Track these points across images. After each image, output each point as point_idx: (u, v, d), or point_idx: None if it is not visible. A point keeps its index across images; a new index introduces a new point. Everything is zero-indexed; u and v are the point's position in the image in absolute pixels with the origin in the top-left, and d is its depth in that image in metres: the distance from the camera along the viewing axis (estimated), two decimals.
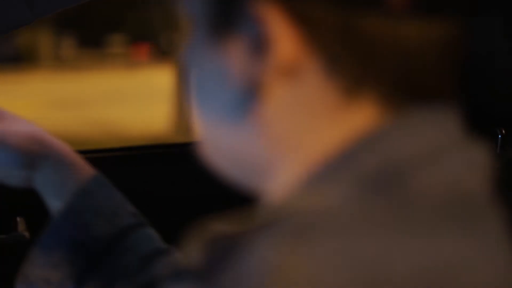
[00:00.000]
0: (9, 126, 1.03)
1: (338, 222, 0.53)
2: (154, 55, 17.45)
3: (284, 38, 0.57)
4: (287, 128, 0.59)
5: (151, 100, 12.66)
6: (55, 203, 1.02)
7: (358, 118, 0.58)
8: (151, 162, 2.05)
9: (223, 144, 0.63)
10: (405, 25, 0.57)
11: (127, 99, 12.87)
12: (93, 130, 9.96)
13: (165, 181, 2.02)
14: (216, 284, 0.55)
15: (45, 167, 1.02)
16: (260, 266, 0.52)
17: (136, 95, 13.38)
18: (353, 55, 0.57)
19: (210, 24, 0.60)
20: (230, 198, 2.19)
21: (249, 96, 0.59)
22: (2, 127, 1.03)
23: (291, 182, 0.60)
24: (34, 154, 1.02)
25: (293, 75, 0.58)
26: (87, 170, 1.02)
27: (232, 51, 0.59)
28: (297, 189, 0.58)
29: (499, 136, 1.75)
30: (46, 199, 1.02)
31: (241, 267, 0.53)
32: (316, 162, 0.59)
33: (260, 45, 0.57)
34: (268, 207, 0.59)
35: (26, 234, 1.82)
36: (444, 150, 0.58)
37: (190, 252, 0.62)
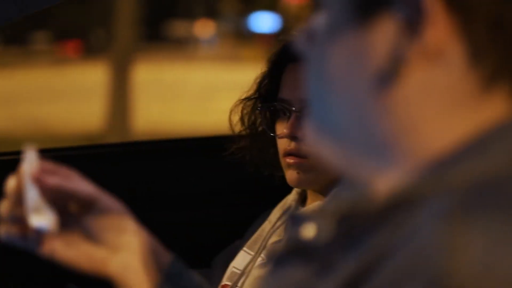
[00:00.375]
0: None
1: (494, 199, 0.55)
2: (84, 51, 17.22)
3: (436, 21, 0.57)
4: (418, 112, 0.60)
5: (82, 97, 12.53)
6: None
7: (489, 110, 0.59)
8: (85, 162, 2.04)
9: (343, 125, 0.64)
10: None
11: (57, 97, 12.70)
12: (23, 128, 9.80)
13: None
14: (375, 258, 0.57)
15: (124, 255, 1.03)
16: (434, 245, 0.53)
17: (67, 92, 13.22)
18: (496, 46, 0.58)
19: (357, 3, 0.60)
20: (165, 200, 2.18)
21: (389, 77, 0.60)
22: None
23: (410, 168, 0.61)
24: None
25: (437, 59, 0.58)
26: (165, 256, 1.04)
27: (380, 30, 0.59)
28: (424, 175, 0.59)
29: None
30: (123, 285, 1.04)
31: (408, 247, 0.55)
32: (441, 150, 0.60)
33: (411, 25, 0.58)
34: (396, 188, 0.60)
35: None
36: None
37: (318, 230, 0.64)
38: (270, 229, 1.70)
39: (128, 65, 9.55)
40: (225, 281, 1.73)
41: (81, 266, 1.02)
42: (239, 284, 1.68)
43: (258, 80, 1.74)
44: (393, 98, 0.60)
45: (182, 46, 25.64)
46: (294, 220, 0.74)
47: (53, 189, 0.99)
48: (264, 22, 27.62)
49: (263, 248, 1.67)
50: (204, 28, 28.63)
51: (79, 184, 1.01)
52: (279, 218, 1.70)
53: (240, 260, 1.73)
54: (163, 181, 2.10)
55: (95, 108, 10.43)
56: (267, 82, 1.72)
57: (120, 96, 9.28)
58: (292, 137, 1.61)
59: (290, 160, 1.62)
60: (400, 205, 0.59)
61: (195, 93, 14.16)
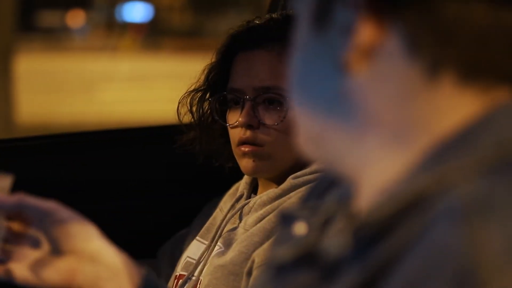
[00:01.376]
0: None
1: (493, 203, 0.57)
2: None
3: (365, 20, 0.63)
4: (375, 107, 0.64)
5: None
6: None
7: (440, 99, 0.63)
8: None
9: (315, 128, 0.68)
10: (480, 9, 0.62)
11: None
12: None
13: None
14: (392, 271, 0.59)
15: None
16: (454, 242, 0.55)
17: None
18: (433, 35, 0.62)
19: (312, 16, 0.67)
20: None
21: (338, 77, 0.65)
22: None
23: (397, 166, 0.64)
24: None
25: (375, 55, 0.63)
26: (135, 267, 1.02)
27: (328, 36, 0.66)
28: (423, 170, 0.62)
29: None
30: None
31: (422, 253, 0.57)
32: (424, 145, 0.63)
33: (346, 30, 0.64)
34: (392, 189, 0.63)
35: None
36: None
37: (331, 242, 0.66)
38: (223, 218, 1.70)
39: (9, 56, 9.34)
40: (179, 271, 1.73)
41: (48, 284, 1.02)
42: (195, 274, 1.68)
43: (206, 72, 1.76)
44: (350, 95, 0.65)
45: (54, 37, 25.13)
46: (285, 218, 0.78)
47: (13, 207, 1.01)
48: (136, 11, 27.36)
49: (219, 237, 1.68)
50: (76, 18, 28.15)
51: (36, 200, 1.03)
52: (231, 206, 1.71)
53: (194, 249, 1.73)
54: (106, 170, 2.11)
55: None
56: (216, 72, 1.74)
57: (2, 87, 9.05)
58: (248, 125, 1.63)
59: (245, 148, 1.63)
60: (409, 206, 0.61)
61: (74, 84, 13.93)
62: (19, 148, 2.07)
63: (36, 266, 1.02)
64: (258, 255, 1.54)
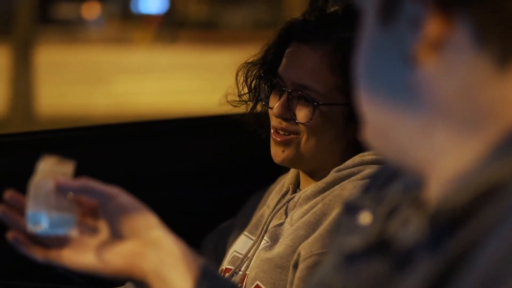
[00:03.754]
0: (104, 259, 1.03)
1: None
2: None
3: (434, 15, 0.64)
4: (445, 99, 0.65)
5: None
6: None
7: (509, 88, 0.64)
8: None
9: (383, 121, 0.69)
10: None
11: None
12: None
13: None
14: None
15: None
16: None
17: None
18: (501, 26, 0.63)
19: (380, 11, 0.68)
20: None
21: (406, 69, 0.67)
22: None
23: (468, 155, 0.65)
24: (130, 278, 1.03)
25: (443, 48, 0.64)
26: (194, 254, 1.02)
27: (396, 30, 0.67)
28: (497, 158, 0.63)
29: None
30: None
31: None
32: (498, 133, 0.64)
33: (414, 23, 0.65)
34: (465, 178, 0.64)
35: None
36: None
37: (405, 229, 0.67)
38: (270, 214, 1.73)
39: (30, 48, 9.40)
40: (226, 265, 1.76)
41: (111, 268, 1.01)
42: (242, 268, 1.71)
43: (265, 48, 1.79)
44: (419, 88, 0.67)
45: (70, 29, 25.19)
46: (349, 208, 0.80)
47: (79, 191, 1.02)
48: (151, 3, 27.38)
49: (265, 232, 1.71)
50: (91, 10, 28.19)
51: (99, 184, 1.04)
52: (277, 202, 1.74)
53: (242, 244, 1.76)
54: (147, 161, 2.12)
55: None
56: (272, 52, 1.77)
57: (23, 80, 9.11)
58: (282, 117, 1.68)
59: (277, 137, 1.68)
60: (483, 195, 0.61)
61: (89, 76, 13.98)
62: (48, 140, 2.10)
63: (99, 250, 1.02)
64: (304, 248, 1.56)
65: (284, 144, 1.68)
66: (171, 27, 25.03)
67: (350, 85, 1.61)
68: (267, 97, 1.76)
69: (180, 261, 0.99)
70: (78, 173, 1.04)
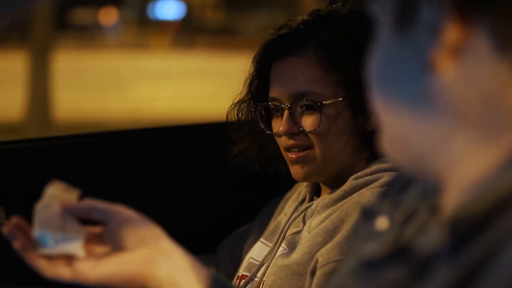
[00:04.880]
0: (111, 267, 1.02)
1: None
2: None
3: (454, 21, 0.63)
4: (464, 105, 0.65)
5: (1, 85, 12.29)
6: None
7: None
8: None
9: (400, 130, 0.69)
10: None
11: None
12: None
13: None
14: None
15: None
16: None
17: None
18: None
19: (396, 17, 0.68)
20: None
21: (424, 76, 0.66)
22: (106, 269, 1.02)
23: (487, 162, 0.65)
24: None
25: (462, 54, 0.64)
26: (203, 272, 1.02)
27: (413, 37, 0.66)
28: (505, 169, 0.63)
29: None
30: None
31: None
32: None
33: (432, 29, 0.65)
34: (485, 185, 0.63)
35: (5, 222, 1.85)
36: None
37: (424, 238, 0.67)
38: (287, 221, 1.72)
39: (47, 53, 9.45)
40: (242, 271, 1.76)
41: (123, 277, 1.01)
42: (258, 275, 1.70)
43: (248, 82, 1.77)
44: (437, 94, 0.66)
45: (87, 34, 25.31)
46: (366, 213, 0.79)
47: (84, 211, 1.03)
48: (168, 9, 27.47)
49: (282, 239, 1.70)
50: (108, 16, 28.31)
51: (101, 203, 1.05)
52: (295, 210, 1.74)
53: (258, 251, 1.76)
54: (166, 167, 2.13)
55: (12, 98, 10.27)
56: (256, 82, 1.75)
57: (40, 85, 9.15)
58: (289, 134, 1.66)
59: (292, 155, 1.66)
60: (503, 201, 0.61)
61: (106, 81, 14.04)
62: (64, 145, 2.10)
63: (109, 259, 1.02)
64: (322, 255, 1.55)
65: (301, 161, 1.66)
66: (188, 33, 25.10)
67: (344, 77, 1.61)
68: (268, 123, 1.73)
69: (190, 268, 1.00)
70: (93, 179, 1.05)
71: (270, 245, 1.73)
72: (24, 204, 1.58)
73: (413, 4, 0.66)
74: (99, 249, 1.05)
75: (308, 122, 1.65)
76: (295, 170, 1.68)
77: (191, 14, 27.70)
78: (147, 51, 21.75)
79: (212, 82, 13.07)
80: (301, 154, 1.66)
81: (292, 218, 1.72)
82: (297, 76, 1.66)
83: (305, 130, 1.65)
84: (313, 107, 1.65)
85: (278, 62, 1.69)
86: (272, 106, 1.70)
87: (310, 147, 1.65)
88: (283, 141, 1.68)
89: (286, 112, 1.66)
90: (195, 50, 22.22)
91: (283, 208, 1.82)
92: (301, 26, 1.72)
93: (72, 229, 1.03)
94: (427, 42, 0.65)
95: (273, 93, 1.70)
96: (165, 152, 2.15)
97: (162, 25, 26.28)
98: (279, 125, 1.68)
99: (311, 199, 1.75)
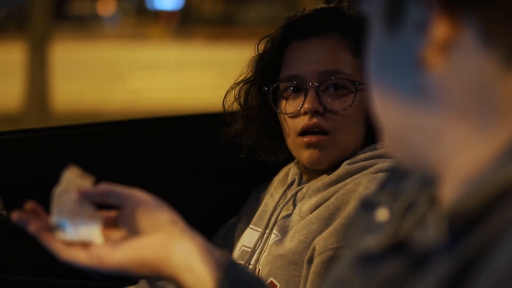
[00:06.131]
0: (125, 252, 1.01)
1: None
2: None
3: (441, 17, 0.64)
4: (455, 100, 0.66)
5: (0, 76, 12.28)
6: None
7: None
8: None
9: (398, 127, 0.70)
10: None
11: None
12: None
13: None
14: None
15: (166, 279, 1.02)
16: None
17: None
18: (507, 27, 0.63)
19: (385, 16, 0.69)
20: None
21: (415, 73, 0.67)
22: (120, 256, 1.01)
23: (482, 155, 0.65)
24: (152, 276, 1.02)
25: (451, 50, 0.65)
26: (219, 257, 1.01)
27: (402, 35, 0.67)
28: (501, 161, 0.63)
29: None
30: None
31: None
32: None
33: (421, 26, 0.65)
34: (480, 178, 0.64)
35: (4, 212, 1.86)
36: None
37: (423, 231, 0.67)
38: (276, 204, 1.69)
39: (46, 44, 9.43)
40: (236, 260, 1.71)
41: (139, 262, 1.00)
42: (252, 262, 1.68)
43: (253, 63, 1.73)
44: (429, 90, 0.67)
45: (85, 25, 25.26)
46: (366, 204, 0.79)
47: (100, 196, 1.03)
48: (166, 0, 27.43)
49: (274, 224, 1.67)
50: (106, 7, 28.26)
51: (117, 187, 1.05)
52: (283, 193, 1.70)
53: (248, 237, 1.73)
54: (152, 159, 2.12)
55: (11, 89, 10.26)
56: (265, 62, 1.71)
57: (38, 76, 9.14)
58: (314, 112, 1.61)
59: (311, 138, 1.61)
60: (499, 195, 0.62)
61: (105, 72, 14.02)
62: (63, 136, 2.11)
63: (130, 246, 1.01)
64: (319, 243, 1.53)
65: (320, 145, 1.62)
66: (186, 23, 25.06)
67: None
68: (284, 105, 1.67)
69: (206, 252, 0.99)
70: (91, 168, 1.05)
71: (259, 229, 1.71)
72: (22, 195, 1.59)
73: (401, 2, 0.67)
74: (115, 234, 1.04)
75: (337, 102, 1.62)
76: (310, 155, 1.62)
77: (190, 5, 27.65)
78: (145, 42, 21.72)
79: (211, 73, 13.06)
80: (321, 138, 1.61)
81: (282, 203, 1.69)
82: (327, 55, 1.64)
83: (334, 110, 1.62)
84: (343, 88, 1.63)
85: (301, 41, 1.67)
86: (288, 85, 1.66)
87: (328, 132, 1.61)
88: (301, 122, 1.63)
89: (312, 90, 1.62)
90: (193, 40, 22.19)
91: (269, 191, 1.80)
92: (328, 12, 1.72)
93: (89, 214, 1.03)
94: (416, 39, 0.66)
95: (294, 71, 1.66)
96: (164, 143, 2.15)
97: (161, 16, 26.24)
98: (296, 105, 1.64)
99: (300, 183, 1.71)
